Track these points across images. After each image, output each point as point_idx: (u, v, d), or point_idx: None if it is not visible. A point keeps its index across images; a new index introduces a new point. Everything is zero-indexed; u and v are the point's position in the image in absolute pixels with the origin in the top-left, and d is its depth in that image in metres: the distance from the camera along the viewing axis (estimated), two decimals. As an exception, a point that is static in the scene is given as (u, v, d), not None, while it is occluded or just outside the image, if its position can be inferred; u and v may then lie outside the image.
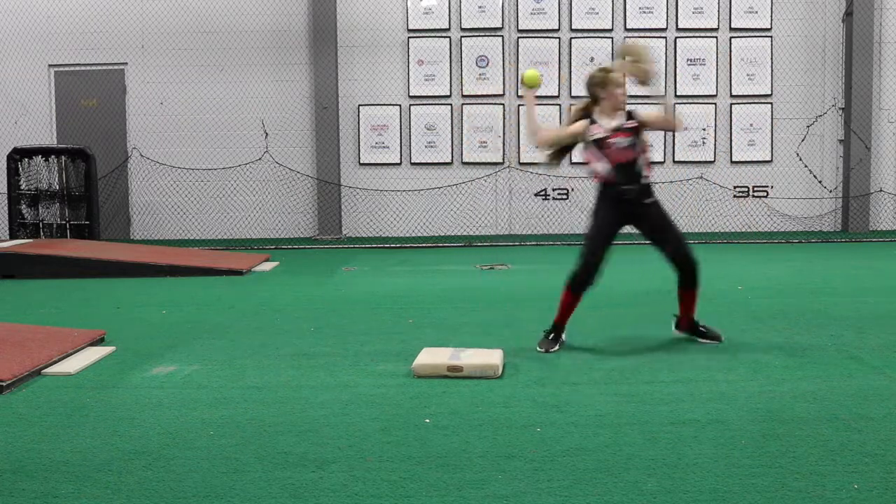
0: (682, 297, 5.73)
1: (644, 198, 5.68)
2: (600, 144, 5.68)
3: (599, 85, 5.74)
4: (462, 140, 12.93)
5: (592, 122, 5.74)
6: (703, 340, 5.75)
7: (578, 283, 5.72)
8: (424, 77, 12.89)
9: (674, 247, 5.66)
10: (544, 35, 12.85)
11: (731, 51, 12.84)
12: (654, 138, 12.90)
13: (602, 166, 5.67)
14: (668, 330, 6.15)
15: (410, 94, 12.92)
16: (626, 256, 10.69)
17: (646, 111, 5.95)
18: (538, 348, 5.60)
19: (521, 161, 12.94)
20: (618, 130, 5.70)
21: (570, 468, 3.51)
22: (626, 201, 5.63)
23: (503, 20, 12.86)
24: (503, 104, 12.89)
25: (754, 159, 12.97)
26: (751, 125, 12.92)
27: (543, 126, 6.06)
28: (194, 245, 12.03)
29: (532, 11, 12.84)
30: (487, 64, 12.85)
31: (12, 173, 11.67)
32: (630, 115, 5.82)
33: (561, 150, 5.92)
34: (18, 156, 11.68)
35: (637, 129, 5.76)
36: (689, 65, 12.86)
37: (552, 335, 5.68)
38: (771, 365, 5.13)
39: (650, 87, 5.86)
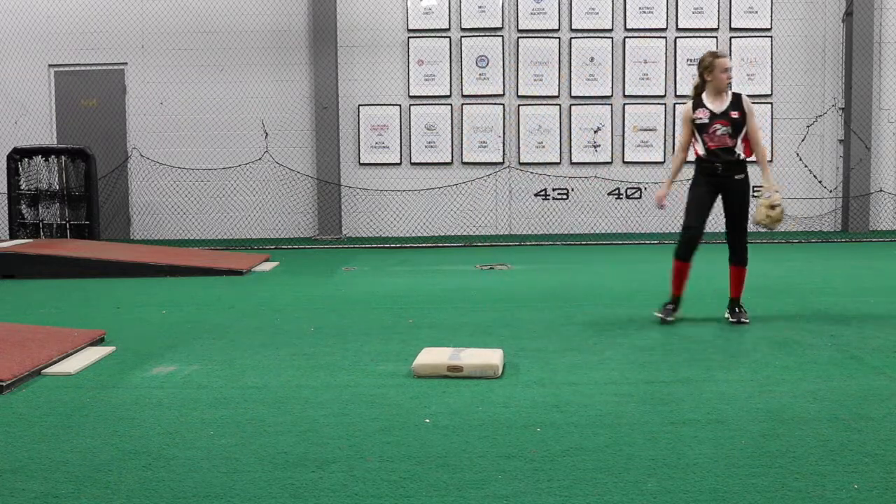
0: (731, 272, 6.45)
1: (735, 174, 6.31)
2: (702, 129, 6.33)
3: (707, 68, 6.31)
4: (462, 140, 12.93)
5: (699, 106, 6.34)
6: (733, 318, 6.35)
7: (679, 250, 6.38)
8: (424, 77, 12.90)
9: (737, 231, 6.35)
10: (544, 35, 12.85)
11: (731, 51, 12.84)
12: (654, 139, 12.91)
13: (699, 147, 6.36)
14: (668, 330, 6.16)
15: (410, 94, 12.93)
16: (627, 256, 10.70)
17: (753, 112, 6.37)
18: (656, 314, 6.41)
19: (521, 161, 12.94)
20: (721, 117, 6.26)
21: (570, 468, 3.51)
22: (716, 175, 6.30)
23: (503, 20, 12.86)
24: (503, 104, 12.89)
25: (754, 159, 12.93)
26: (751, 125, 12.91)
27: (678, 158, 6.63)
28: (194, 245, 12.03)
29: (532, 11, 12.84)
30: (487, 64, 12.85)
31: (12, 173, 11.67)
32: (738, 101, 6.32)
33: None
34: (18, 156, 11.68)
35: (741, 120, 6.26)
36: (689, 65, 12.85)
37: (670, 305, 6.42)
38: (771, 365, 5.13)
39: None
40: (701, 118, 6.32)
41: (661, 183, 12.87)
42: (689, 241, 6.33)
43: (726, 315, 6.44)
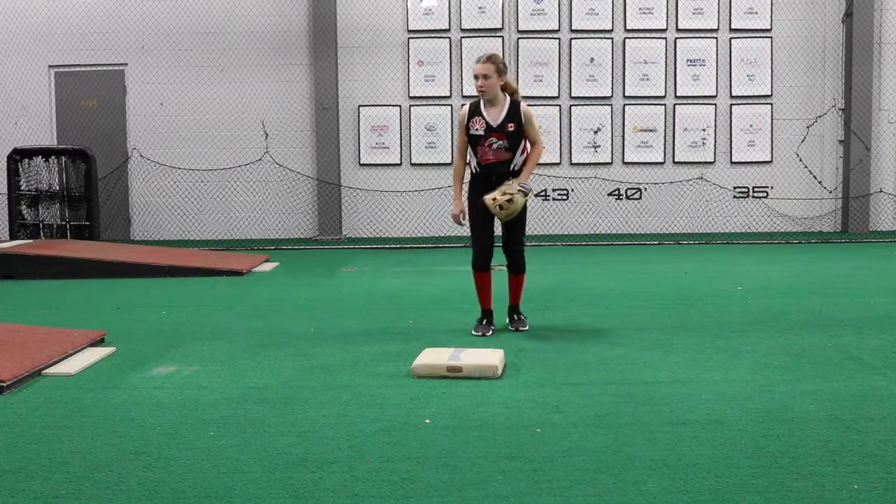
0: (508, 279, 6.24)
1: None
2: (477, 141, 5.90)
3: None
4: (462, 140, 12.92)
5: (476, 113, 5.89)
6: (512, 327, 6.21)
7: (476, 262, 6.12)
8: (424, 78, 12.90)
9: (512, 237, 6.08)
10: (544, 36, 12.85)
11: (730, 51, 12.84)
12: (654, 139, 12.91)
13: (473, 160, 5.96)
14: (668, 331, 6.16)
15: (410, 95, 12.92)
16: (627, 256, 10.70)
17: (531, 120, 5.93)
18: (473, 333, 6.09)
19: (521, 161, 12.93)
20: (497, 131, 5.85)
21: (570, 468, 3.51)
22: (492, 186, 5.87)
23: (503, 21, 12.86)
24: (503, 105, 12.87)
25: (754, 160, 12.98)
26: (751, 126, 12.93)
27: (457, 167, 6.14)
28: (194, 246, 12.03)
29: (532, 12, 12.84)
30: (487, 64, 12.83)
31: (12, 174, 11.66)
32: (515, 110, 5.88)
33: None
34: (19, 156, 11.68)
35: (517, 132, 5.88)
36: (689, 65, 12.86)
37: (483, 320, 6.18)
38: (771, 365, 5.13)
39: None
40: (477, 129, 5.87)
41: (658, 184, 12.90)
42: (481, 253, 6.07)
43: (507, 322, 6.27)
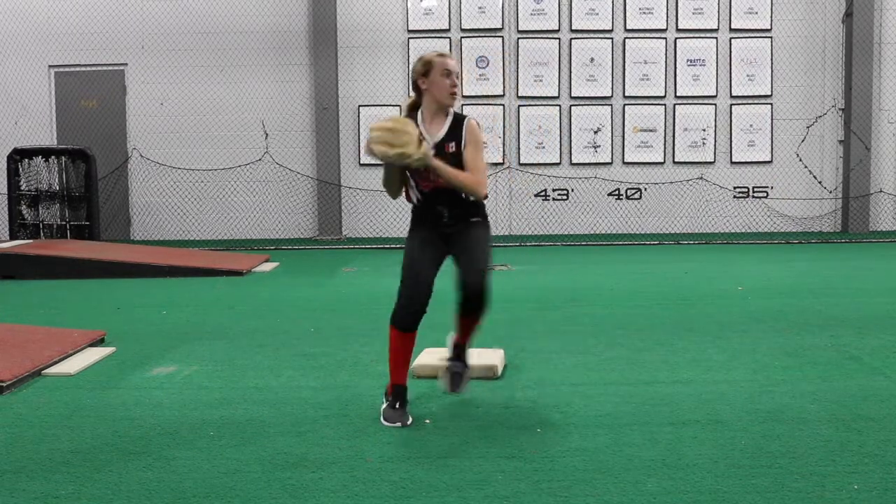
0: (458, 322, 4.47)
1: (469, 217, 4.34)
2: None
3: (421, 72, 4.34)
4: (462, 141, 12.91)
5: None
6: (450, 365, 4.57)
7: (395, 317, 4.34)
8: (424, 78, 12.87)
9: (465, 270, 4.24)
10: (544, 36, 12.85)
11: (730, 51, 12.84)
12: (653, 138, 12.90)
13: (413, 192, 4.42)
14: (669, 331, 6.16)
15: (410, 95, 12.89)
16: (627, 256, 10.70)
17: (476, 140, 4.28)
18: (385, 422, 4.16)
19: (521, 161, 12.94)
20: (435, 150, 4.23)
21: (570, 468, 3.51)
22: (441, 223, 4.35)
23: (503, 21, 12.86)
24: (503, 105, 12.89)
25: (754, 160, 12.97)
26: (751, 126, 12.93)
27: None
28: (194, 246, 12.03)
29: (532, 12, 12.84)
30: (487, 64, 12.85)
31: (12, 174, 11.66)
32: (458, 126, 4.31)
33: (402, 178, 4.42)
34: (18, 156, 11.68)
35: (458, 153, 4.26)
36: (689, 65, 12.86)
37: (396, 402, 4.23)
38: (771, 365, 5.13)
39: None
40: None
41: (658, 184, 12.89)
42: (410, 302, 4.31)
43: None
